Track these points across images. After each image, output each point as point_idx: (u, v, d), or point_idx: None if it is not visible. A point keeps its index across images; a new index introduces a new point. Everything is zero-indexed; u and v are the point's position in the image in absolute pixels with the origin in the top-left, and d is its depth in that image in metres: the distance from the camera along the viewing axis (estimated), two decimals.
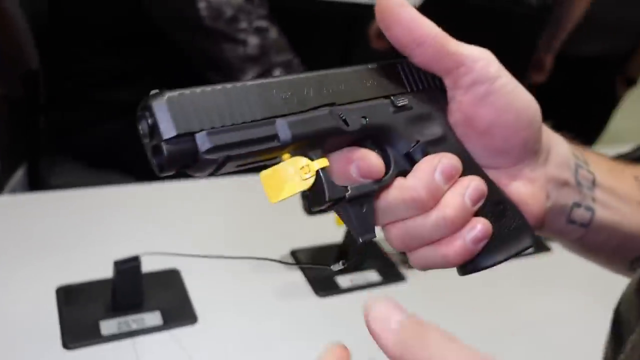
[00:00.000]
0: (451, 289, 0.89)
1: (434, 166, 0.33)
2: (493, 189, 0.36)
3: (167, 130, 0.27)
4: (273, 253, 0.88)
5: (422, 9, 1.38)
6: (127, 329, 0.69)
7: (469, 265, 0.35)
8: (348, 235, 0.86)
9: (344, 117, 0.32)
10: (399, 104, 0.35)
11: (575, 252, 0.46)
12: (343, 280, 0.84)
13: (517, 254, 0.36)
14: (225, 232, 0.91)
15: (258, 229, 0.93)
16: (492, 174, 0.37)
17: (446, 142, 0.35)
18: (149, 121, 0.28)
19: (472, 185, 0.33)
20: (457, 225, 0.33)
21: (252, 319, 0.76)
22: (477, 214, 0.34)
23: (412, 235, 0.33)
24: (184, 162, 0.28)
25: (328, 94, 0.32)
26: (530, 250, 0.39)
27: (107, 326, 0.69)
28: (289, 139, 0.30)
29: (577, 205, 0.39)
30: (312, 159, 0.31)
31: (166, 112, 0.27)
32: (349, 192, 0.32)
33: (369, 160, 0.32)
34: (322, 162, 0.32)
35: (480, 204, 0.34)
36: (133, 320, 0.71)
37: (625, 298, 0.42)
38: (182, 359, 0.68)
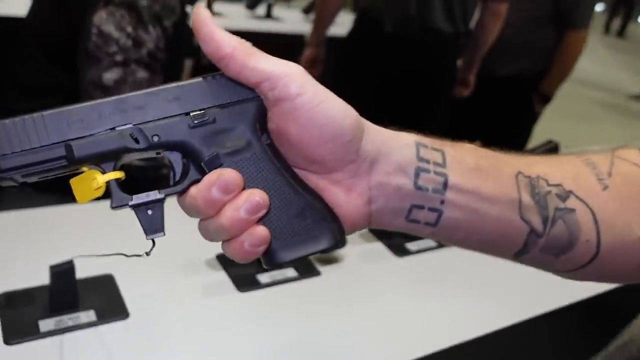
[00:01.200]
0: (359, 282, 1.01)
1: (213, 181, 0.36)
2: (294, 194, 0.39)
3: None
4: (200, 257, 0.98)
5: (348, 39, 1.60)
6: (63, 326, 0.78)
7: (267, 260, 0.39)
8: None
9: (135, 136, 0.37)
10: (197, 121, 0.38)
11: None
12: (263, 277, 0.95)
13: (318, 252, 0.39)
14: (160, 240, 1.00)
15: (185, 237, 1.02)
16: (313, 178, 0.40)
17: (250, 150, 0.38)
18: None
19: (249, 199, 0.36)
20: (235, 232, 0.37)
21: (179, 314, 0.86)
22: (268, 217, 0.38)
23: (207, 232, 0.38)
24: None
25: (125, 116, 0.37)
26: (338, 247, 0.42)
27: (46, 324, 0.78)
28: (75, 159, 0.36)
29: (419, 207, 0.41)
30: (104, 172, 0.37)
31: None
32: (132, 201, 0.38)
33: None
34: (112, 175, 0.37)
35: (260, 214, 0.37)
36: (69, 319, 0.79)
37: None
38: (104, 352, 0.77)
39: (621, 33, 9.95)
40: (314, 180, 0.40)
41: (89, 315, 0.81)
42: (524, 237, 0.43)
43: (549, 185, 0.43)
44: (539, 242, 0.43)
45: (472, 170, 0.42)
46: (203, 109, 0.38)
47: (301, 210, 0.38)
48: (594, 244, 0.44)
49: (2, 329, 0.76)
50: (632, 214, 0.44)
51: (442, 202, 0.41)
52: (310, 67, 2.20)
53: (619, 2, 8.84)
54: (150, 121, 0.37)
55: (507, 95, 2.40)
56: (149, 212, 0.38)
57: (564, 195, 0.43)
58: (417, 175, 0.40)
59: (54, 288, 0.79)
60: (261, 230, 0.37)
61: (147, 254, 0.42)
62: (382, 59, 1.99)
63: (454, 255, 1.12)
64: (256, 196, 0.36)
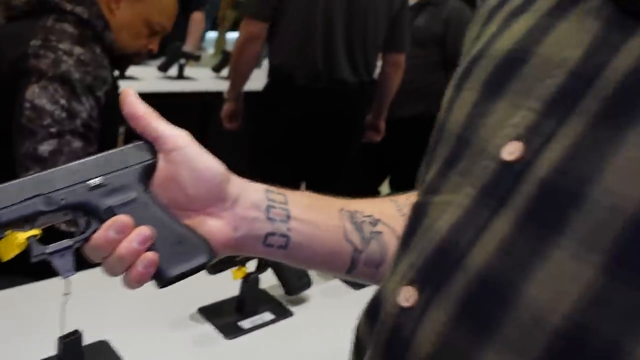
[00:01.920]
0: (328, 319, 1.13)
1: (110, 225, 0.47)
2: (173, 227, 0.49)
3: None
4: (184, 313, 1.06)
5: (264, 93, 1.82)
6: None
7: (158, 280, 0.48)
8: (243, 287, 1.08)
9: (47, 202, 0.47)
10: (93, 185, 0.49)
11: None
12: (245, 323, 1.05)
13: (196, 270, 0.49)
14: (143, 303, 1.07)
15: (165, 299, 1.10)
16: (193, 214, 0.50)
17: (137, 202, 0.49)
18: None
19: (139, 233, 0.47)
20: (131, 259, 0.47)
21: None
22: (155, 246, 0.47)
23: (110, 267, 0.48)
24: None
25: (39, 187, 0.47)
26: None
27: None
28: (1, 224, 0.45)
29: (271, 234, 0.52)
30: (25, 231, 0.46)
31: None
32: (48, 249, 0.46)
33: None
34: (31, 233, 0.46)
35: (149, 243, 0.47)
36: None
37: (361, 321, 0.48)
38: None
39: None
40: (194, 216, 0.51)
41: None
42: (350, 255, 0.55)
43: (363, 216, 0.57)
44: (361, 258, 0.55)
45: (308, 206, 0.55)
46: (98, 176, 0.49)
47: (179, 239, 0.49)
48: None
49: None
50: None
51: (289, 229, 0.53)
52: (230, 121, 2.33)
53: None
54: (57, 190, 0.48)
55: (410, 134, 2.65)
56: (62, 257, 0.47)
57: (375, 222, 0.57)
58: (267, 211, 0.53)
59: (63, 358, 0.85)
60: (151, 255, 0.47)
61: (66, 294, 0.58)
62: (295, 108, 2.16)
63: None
64: (144, 231, 0.47)
